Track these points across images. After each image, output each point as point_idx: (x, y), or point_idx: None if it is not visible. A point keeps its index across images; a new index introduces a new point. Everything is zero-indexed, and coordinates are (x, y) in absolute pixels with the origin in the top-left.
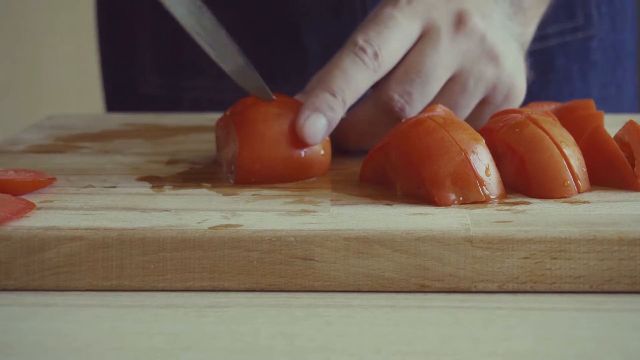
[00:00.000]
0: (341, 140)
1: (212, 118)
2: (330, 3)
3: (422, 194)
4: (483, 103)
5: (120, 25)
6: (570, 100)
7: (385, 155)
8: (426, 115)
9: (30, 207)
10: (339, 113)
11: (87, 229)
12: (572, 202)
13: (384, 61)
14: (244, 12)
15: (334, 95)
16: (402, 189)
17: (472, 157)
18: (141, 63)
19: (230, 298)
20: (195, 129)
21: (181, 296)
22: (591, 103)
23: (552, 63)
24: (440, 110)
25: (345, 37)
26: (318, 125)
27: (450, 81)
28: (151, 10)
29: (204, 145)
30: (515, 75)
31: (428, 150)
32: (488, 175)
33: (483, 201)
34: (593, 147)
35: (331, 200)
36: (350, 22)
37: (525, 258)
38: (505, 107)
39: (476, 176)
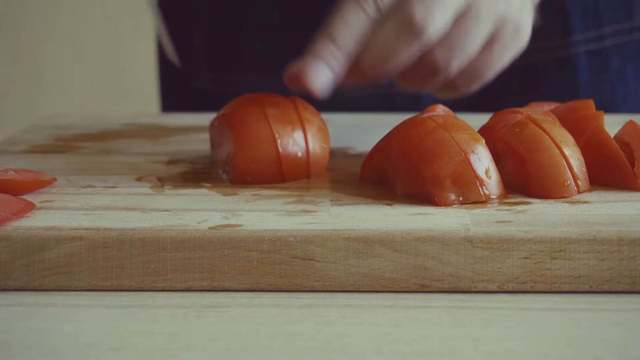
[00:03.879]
0: (357, 66)
1: (212, 118)
2: None
3: (422, 194)
4: (492, 40)
5: (177, 21)
6: (624, 101)
7: (385, 155)
8: (426, 115)
9: (31, 207)
10: (341, 63)
11: (87, 229)
12: (572, 202)
13: (385, 5)
14: (290, 9)
15: (336, 45)
16: (402, 189)
17: (472, 157)
18: (196, 58)
19: (230, 298)
20: (195, 129)
21: (181, 296)
22: (591, 103)
23: (607, 64)
24: (440, 110)
25: None
26: (320, 73)
27: (463, 13)
28: (207, 6)
29: (204, 145)
30: (522, 13)
31: (428, 150)
32: (488, 176)
33: (483, 201)
34: (593, 147)
35: (331, 200)
36: None
37: (525, 258)
38: (513, 46)
39: (476, 176)
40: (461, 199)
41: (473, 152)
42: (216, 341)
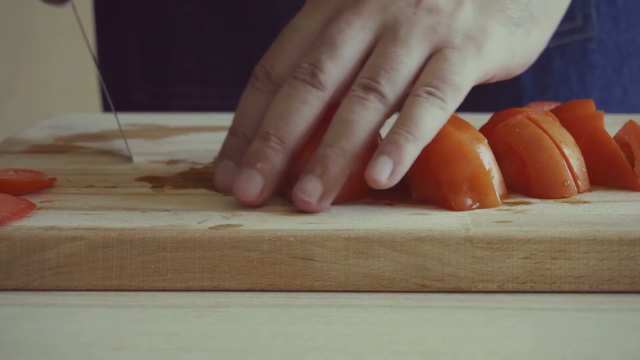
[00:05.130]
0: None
1: (212, 118)
2: None
3: (438, 199)
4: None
5: (112, 35)
6: None
7: None
8: None
9: (31, 207)
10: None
11: (87, 229)
12: (572, 202)
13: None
14: (223, 19)
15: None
16: (417, 193)
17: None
18: (132, 71)
19: (230, 298)
20: (195, 129)
21: (181, 296)
22: (591, 103)
23: (550, 66)
24: None
25: None
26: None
27: (379, 40)
28: (139, 18)
29: (204, 145)
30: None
31: (445, 154)
32: (491, 176)
33: (498, 205)
34: (593, 147)
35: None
36: None
37: (525, 258)
38: (469, 49)
39: (491, 181)
40: (477, 204)
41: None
42: (216, 341)
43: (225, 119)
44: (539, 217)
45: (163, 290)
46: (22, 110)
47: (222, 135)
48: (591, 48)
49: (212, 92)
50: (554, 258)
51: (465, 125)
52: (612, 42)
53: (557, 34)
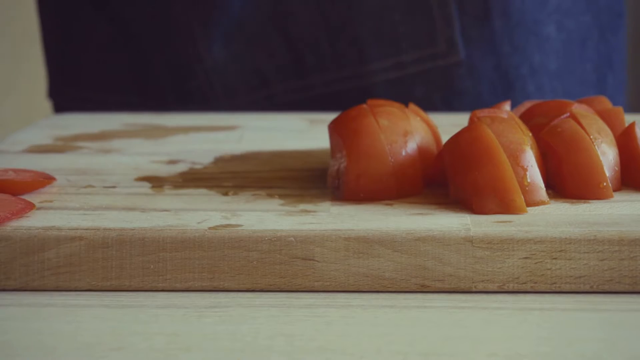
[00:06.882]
0: None
1: (212, 118)
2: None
3: (465, 201)
4: None
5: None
6: None
7: (442, 158)
8: (485, 114)
9: (30, 207)
10: None
11: (86, 229)
12: (572, 202)
13: None
14: (119, 27)
15: None
16: (452, 193)
17: (515, 166)
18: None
19: (230, 298)
20: (195, 129)
21: (181, 296)
22: (605, 99)
23: (412, 92)
24: (505, 113)
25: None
26: None
27: None
28: (43, 22)
29: (204, 145)
30: None
31: (471, 157)
32: (527, 183)
33: (524, 212)
34: (622, 147)
35: (331, 200)
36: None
37: (526, 258)
38: None
39: (518, 187)
40: (501, 209)
41: (517, 159)
42: (216, 341)
43: (225, 119)
44: (539, 217)
45: (163, 290)
46: (20, 109)
47: (222, 135)
48: (459, 74)
49: (110, 99)
50: (555, 258)
51: (513, 128)
52: (488, 66)
53: (419, 60)
